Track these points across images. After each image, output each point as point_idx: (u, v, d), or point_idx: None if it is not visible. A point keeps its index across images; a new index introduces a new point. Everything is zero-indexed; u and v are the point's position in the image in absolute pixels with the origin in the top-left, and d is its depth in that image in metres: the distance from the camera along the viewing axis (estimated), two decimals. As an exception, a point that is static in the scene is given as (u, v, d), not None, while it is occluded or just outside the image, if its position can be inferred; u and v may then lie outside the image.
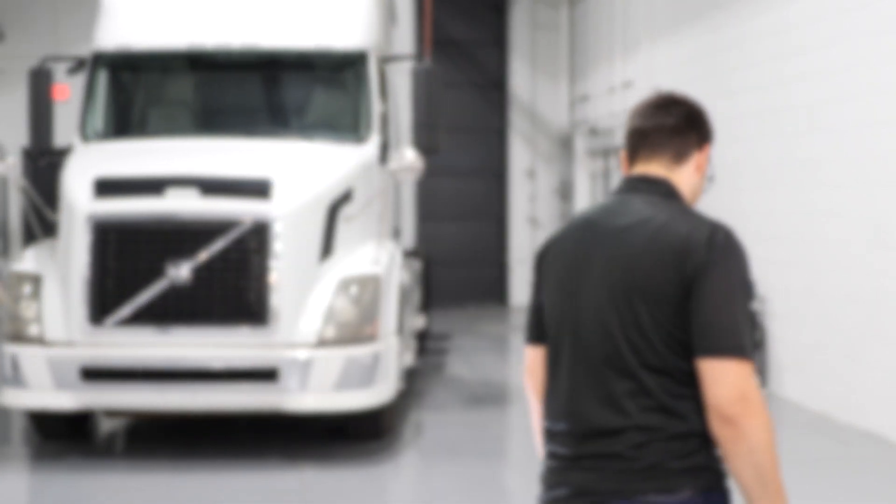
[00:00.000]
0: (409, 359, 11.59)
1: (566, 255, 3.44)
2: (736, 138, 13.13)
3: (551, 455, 3.42)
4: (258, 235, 9.46)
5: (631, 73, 17.25)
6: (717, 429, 3.18)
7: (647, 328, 3.24)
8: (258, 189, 9.59)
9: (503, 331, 18.82)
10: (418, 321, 14.34)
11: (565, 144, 21.02)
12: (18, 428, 10.78)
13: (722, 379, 3.17)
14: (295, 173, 9.96)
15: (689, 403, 3.24)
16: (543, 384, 3.54)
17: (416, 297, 13.96)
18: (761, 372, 12.48)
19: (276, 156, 10.29)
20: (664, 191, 3.45)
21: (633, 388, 3.24)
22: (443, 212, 21.60)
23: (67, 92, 13.37)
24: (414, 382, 13.06)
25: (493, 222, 22.18)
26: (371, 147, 10.71)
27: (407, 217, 13.48)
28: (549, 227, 21.50)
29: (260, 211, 9.50)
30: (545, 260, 3.53)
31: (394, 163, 10.11)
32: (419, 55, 13.39)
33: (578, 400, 3.34)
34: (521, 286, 21.70)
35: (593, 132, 18.82)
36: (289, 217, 9.56)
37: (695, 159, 3.52)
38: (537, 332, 3.58)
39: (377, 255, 10.00)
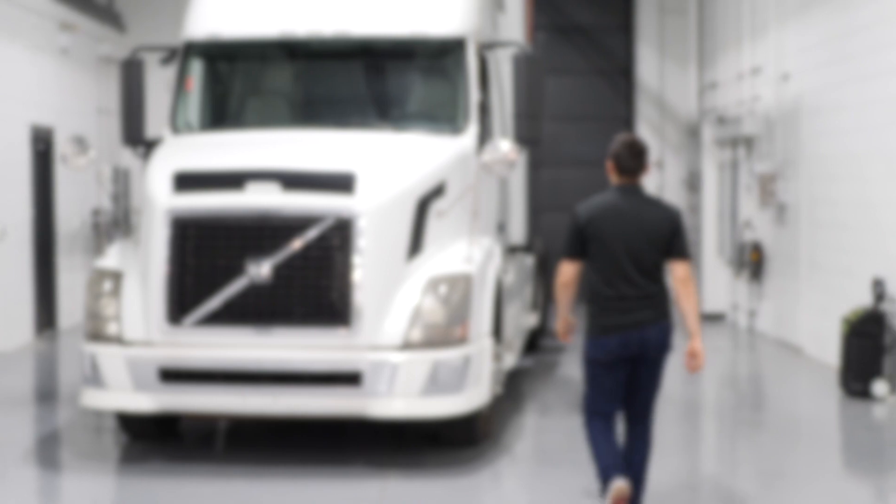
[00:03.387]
0: (510, 361, 11.04)
1: (613, 221, 7.28)
2: (864, 126, 12.42)
3: (616, 308, 7.25)
4: (341, 231, 9.03)
5: (760, 59, 16.46)
6: (679, 285, 7.30)
7: (658, 252, 7.29)
8: (341, 183, 9.16)
9: (626, 327, 18.09)
10: (529, 319, 13.82)
11: (694, 133, 20.23)
12: (109, 427, 10.51)
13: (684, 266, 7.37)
14: (381, 166, 9.51)
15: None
16: (591, 279, 7.33)
17: (526, 293, 13.44)
18: (891, 377, 11.67)
19: (363, 148, 9.84)
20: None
21: (656, 275, 7.34)
22: (565, 203, 20.82)
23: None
24: (521, 383, 12.54)
25: (619, 214, 21.43)
26: (468, 138, 10.19)
27: (516, 210, 12.90)
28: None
29: (343, 206, 9.07)
30: (593, 223, 7.27)
31: (486, 154, 9.50)
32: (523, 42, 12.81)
33: (634, 280, 7.22)
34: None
35: (721, 121, 18.02)
36: (374, 212, 9.11)
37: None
38: (580, 252, 7.32)
39: (470, 253, 9.48)
